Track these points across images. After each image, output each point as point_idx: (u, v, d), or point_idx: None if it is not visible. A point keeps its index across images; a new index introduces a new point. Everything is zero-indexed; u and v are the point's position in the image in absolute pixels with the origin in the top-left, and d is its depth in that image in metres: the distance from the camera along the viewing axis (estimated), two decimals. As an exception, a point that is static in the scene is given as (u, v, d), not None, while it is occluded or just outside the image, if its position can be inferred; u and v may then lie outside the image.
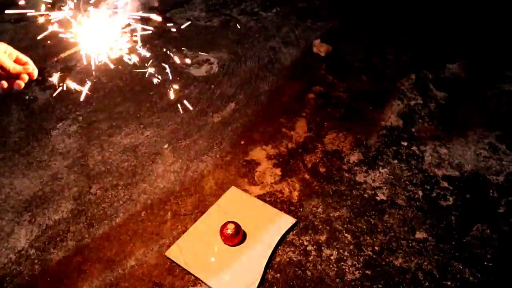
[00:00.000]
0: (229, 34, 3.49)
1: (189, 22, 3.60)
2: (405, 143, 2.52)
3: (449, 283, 1.90)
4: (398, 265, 1.98)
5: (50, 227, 2.22)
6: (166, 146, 2.60)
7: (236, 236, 2.07)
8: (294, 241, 2.10)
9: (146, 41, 1.50)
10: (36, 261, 2.08)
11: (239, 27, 3.52)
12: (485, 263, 1.96)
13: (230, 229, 2.06)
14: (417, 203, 2.21)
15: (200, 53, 3.30)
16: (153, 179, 2.40)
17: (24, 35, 3.56)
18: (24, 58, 1.33)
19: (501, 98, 2.72)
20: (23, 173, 2.53)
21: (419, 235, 2.09)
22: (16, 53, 1.31)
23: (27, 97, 3.05)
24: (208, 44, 3.38)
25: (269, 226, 2.14)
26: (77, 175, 2.46)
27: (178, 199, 2.30)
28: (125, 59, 1.47)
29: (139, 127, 2.73)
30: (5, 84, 1.26)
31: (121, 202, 2.28)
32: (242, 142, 2.59)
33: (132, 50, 1.46)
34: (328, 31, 3.37)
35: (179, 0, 3.88)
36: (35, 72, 1.34)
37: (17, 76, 1.28)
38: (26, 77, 1.30)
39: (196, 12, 3.78)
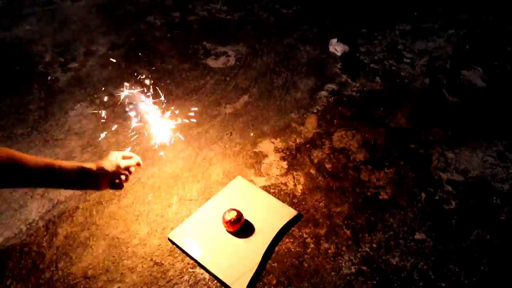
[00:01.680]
0: (249, 28, 3.54)
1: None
2: (412, 145, 2.53)
3: (443, 285, 1.92)
4: (395, 263, 2.01)
5: (61, 202, 2.30)
6: (177, 133, 2.65)
7: (237, 223, 2.12)
8: (294, 232, 2.15)
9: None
10: (45, 233, 2.16)
11: (258, 22, 3.56)
12: (482, 268, 1.98)
13: (231, 215, 2.11)
14: (419, 204, 2.23)
15: (218, 45, 3.36)
16: (162, 164, 2.46)
17: (51, 18, 3.67)
18: (127, 153, 1.74)
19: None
20: (39, 150, 2.62)
21: (418, 236, 2.12)
22: (121, 153, 1.70)
23: (49, 78, 3.14)
24: (227, 37, 3.43)
25: (271, 216, 2.19)
26: (90, 155, 2.54)
27: (185, 185, 2.36)
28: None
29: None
30: (124, 177, 1.65)
31: (130, 184, 2.35)
32: (252, 134, 2.64)
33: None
34: (346, 31, 3.39)
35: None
36: (141, 161, 1.79)
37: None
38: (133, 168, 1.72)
39: (217, 5, 3.84)
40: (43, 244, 2.12)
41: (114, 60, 3.15)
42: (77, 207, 2.27)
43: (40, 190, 2.35)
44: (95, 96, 2.95)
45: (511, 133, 2.56)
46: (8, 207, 2.27)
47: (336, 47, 3.18)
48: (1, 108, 2.92)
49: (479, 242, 2.07)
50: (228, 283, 1.96)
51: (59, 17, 3.83)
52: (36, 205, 2.29)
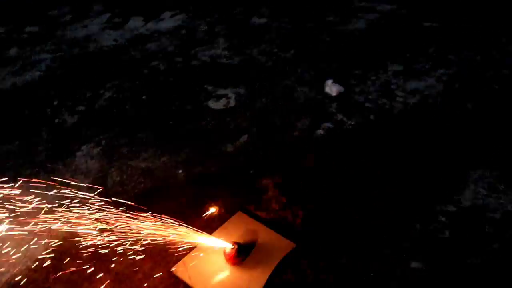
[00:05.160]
0: (248, 71, 3.71)
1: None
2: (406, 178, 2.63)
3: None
4: (392, 292, 2.07)
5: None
6: (180, 171, 2.77)
7: (238, 256, 2.19)
8: (293, 263, 2.21)
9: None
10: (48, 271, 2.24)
11: (258, 65, 3.74)
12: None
13: (232, 250, 2.18)
14: (414, 234, 2.30)
15: (219, 88, 3.52)
16: (166, 201, 2.56)
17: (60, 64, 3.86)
18: None
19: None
20: (46, 189, 2.72)
21: (413, 265, 2.18)
22: None
23: (56, 120, 3.29)
24: (227, 80, 3.60)
25: (271, 249, 2.26)
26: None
27: (188, 220, 2.44)
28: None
29: (156, 153, 2.93)
30: None
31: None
32: (251, 171, 2.74)
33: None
34: (341, 72, 3.55)
35: (204, 38, 4.15)
36: None
37: None
38: None
39: (218, 50, 4.03)
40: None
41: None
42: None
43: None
44: (101, 137, 3.08)
45: (502, 163, 2.65)
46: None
47: (332, 88, 3.33)
48: (10, 149, 3.04)
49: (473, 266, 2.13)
50: (230, 314, 2.01)
51: (67, 64, 4.02)
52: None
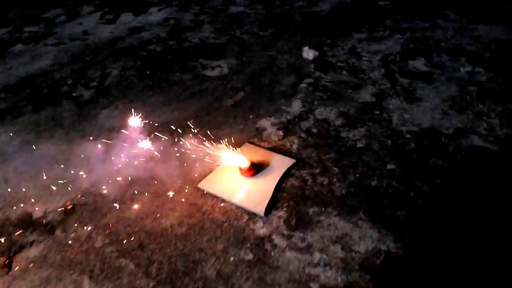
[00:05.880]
0: (235, 47, 4.32)
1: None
2: (377, 112, 3.27)
3: (411, 194, 2.60)
4: (373, 184, 2.68)
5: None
6: (192, 120, 3.32)
7: (251, 169, 2.77)
8: (295, 174, 2.80)
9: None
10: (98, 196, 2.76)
11: (242, 42, 4.34)
12: (438, 180, 2.67)
13: (247, 164, 2.76)
14: (387, 147, 2.93)
15: (212, 61, 4.11)
16: (185, 143, 3.10)
17: (65, 54, 4.35)
18: None
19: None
20: (79, 143, 3.23)
21: (389, 166, 2.80)
22: None
23: (74, 94, 3.79)
24: (218, 55, 4.19)
25: (276, 163, 2.85)
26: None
27: (205, 155, 2.98)
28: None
29: (168, 110, 3.48)
30: None
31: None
32: (251, 116, 3.33)
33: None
34: (314, 43, 4.21)
35: (191, 25, 4.74)
36: None
37: None
38: None
39: (206, 33, 4.63)
40: (101, 200, 2.71)
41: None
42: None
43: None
44: (117, 103, 3.61)
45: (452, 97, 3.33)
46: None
47: (309, 53, 3.97)
48: (38, 119, 3.54)
49: (434, 166, 2.77)
50: (250, 208, 2.58)
51: (71, 53, 4.53)
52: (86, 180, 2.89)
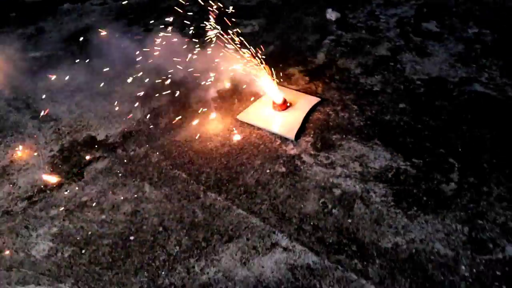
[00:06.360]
0: (264, 9, 4.76)
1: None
2: (392, 63, 3.72)
3: (419, 126, 3.07)
4: (387, 119, 3.15)
5: (156, 108, 3.39)
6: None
7: (283, 104, 3.24)
8: (320, 110, 3.28)
9: None
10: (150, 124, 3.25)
11: (271, 5, 4.79)
12: (443, 117, 3.12)
13: (280, 99, 3.23)
14: (400, 91, 3.39)
15: (244, 20, 4.56)
16: (226, 80, 3.58)
17: (108, 11, 4.82)
18: None
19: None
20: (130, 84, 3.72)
21: (401, 105, 3.26)
22: None
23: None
24: (249, 15, 4.64)
25: (304, 101, 3.32)
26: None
27: (242, 93, 3.46)
28: None
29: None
30: None
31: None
32: (280, 65, 3.79)
33: None
34: (337, 6, 4.63)
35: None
36: None
37: None
38: None
39: (237, -3, 5.08)
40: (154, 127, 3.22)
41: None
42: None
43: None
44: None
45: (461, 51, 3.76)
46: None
47: (332, 14, 4.40)
48: (92, 64, 4.03)
49: (441, 106, 3.22)
50: (282, 133, 3.06)
51: (116, 10, 5.01)
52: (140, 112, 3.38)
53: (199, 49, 3.75)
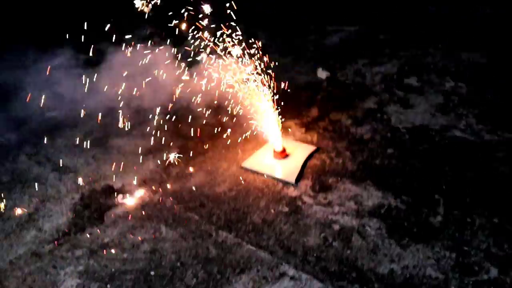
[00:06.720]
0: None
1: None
2: (378, 114, 4.13)
3: (406, 168, 3.42)
4: (377, 162, 3.51)
5: (167, 158, 3.74)
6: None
7: (284, 153, 3.60)
8: (316, 157, 3.63)
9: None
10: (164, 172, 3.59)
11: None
12: (427, 159, 3.49)
13: (280, 148, 3.59)
14: (387, 138, 3.77)
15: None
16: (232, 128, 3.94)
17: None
18: None
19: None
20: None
21: (389, 150, 3.63)
22: None
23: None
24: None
25: (301, 150, 3.68)
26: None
27: (244, 143, 3.82)
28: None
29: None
30: None
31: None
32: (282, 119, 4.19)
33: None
34: (326, 65, 5.12)
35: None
36: None
37: None
38: None
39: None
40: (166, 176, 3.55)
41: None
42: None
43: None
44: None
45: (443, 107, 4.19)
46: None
47: (322, 73, 4.87)
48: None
49: (425, 150, 3.60)
50: (284, 178, 3.40)
51: None
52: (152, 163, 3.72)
53: (209, 113, 4.14)
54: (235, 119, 3.91)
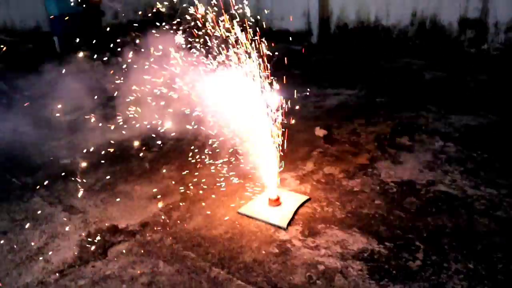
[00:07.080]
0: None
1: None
2: (370, 169, 4.43)
3: (391, 217, 3.67)
4: (365, 212, 3.76)
5: (170, 203, 4.04)
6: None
7: (277, 201, 3.89)
8: (307, 205, 3.90)
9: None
10: (163, 217, 3.87)
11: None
12: (412, 210, 3.74)
13: (274, 196, 3.88)
14: (376, 191, 4.04)
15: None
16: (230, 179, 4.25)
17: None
18: None
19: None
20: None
21: (377, 201, 3.89)
22: None
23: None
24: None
25: (294, 198, 3.96)
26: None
27: (242, 191, 4.11)
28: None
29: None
30: None
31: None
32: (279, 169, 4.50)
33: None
34: (323, 124, 5.49)
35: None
36: None
37: None
38: None
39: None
40: (167, 219, 3.83)
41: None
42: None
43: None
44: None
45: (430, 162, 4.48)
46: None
47: (319, 132, 5.23)
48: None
49: (410, 202, 3.85)
50: (276, 223, 3.65)
51: None
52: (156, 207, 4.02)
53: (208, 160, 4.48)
54: (236, 172, 4.22)
